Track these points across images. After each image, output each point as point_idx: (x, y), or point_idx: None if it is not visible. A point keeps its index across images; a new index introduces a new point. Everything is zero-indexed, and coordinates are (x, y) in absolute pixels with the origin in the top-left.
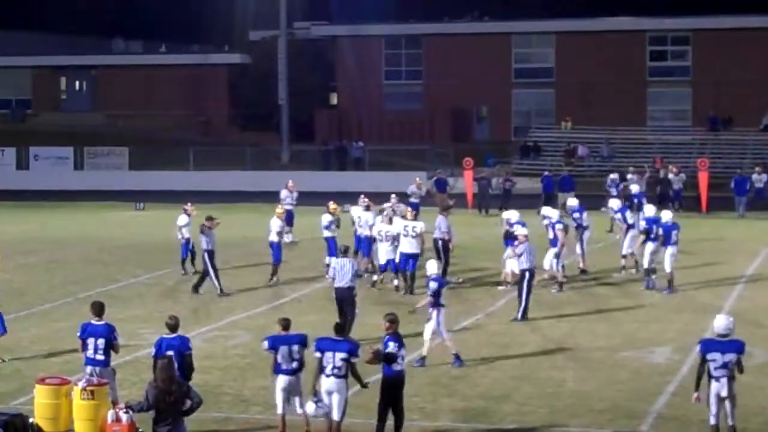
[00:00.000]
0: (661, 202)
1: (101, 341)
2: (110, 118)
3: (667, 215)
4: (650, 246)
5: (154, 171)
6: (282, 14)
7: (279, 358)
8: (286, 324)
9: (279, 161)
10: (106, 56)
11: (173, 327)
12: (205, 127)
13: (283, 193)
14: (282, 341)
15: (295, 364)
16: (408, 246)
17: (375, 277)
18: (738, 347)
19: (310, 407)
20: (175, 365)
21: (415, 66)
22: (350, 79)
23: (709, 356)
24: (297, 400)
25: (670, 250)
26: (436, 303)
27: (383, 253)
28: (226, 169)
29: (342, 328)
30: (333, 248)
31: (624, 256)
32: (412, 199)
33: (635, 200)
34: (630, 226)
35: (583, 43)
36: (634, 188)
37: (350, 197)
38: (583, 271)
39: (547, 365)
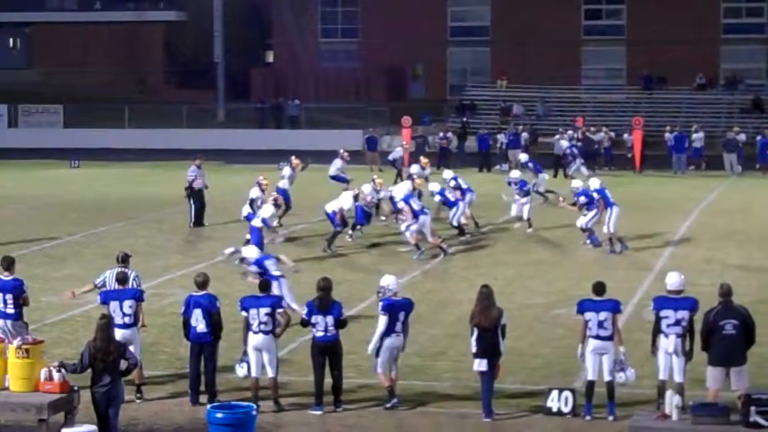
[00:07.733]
0: (586, 161)
1: (9, 296)
2: (45, 76)
3: (595, 182)
4: (591, 214)
5: (90, 129)
6: None
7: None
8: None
9: (215, 119)
10: (41, 13)
11: (201, 284)
12: (141, 84)
13: (338, 163)
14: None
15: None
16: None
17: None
18: (691, 305)
19: (239, 371)
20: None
21: (351, 24)
22: (286, 37)
23: (662, 313)
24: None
25: (616, 210)
26: (272, 278)
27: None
28: (162, 127)
29: (267, 284)
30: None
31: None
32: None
33: (529, 165)
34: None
35: (519, 1)
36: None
37: (286, 155)
38: (477, 225)
39: None
